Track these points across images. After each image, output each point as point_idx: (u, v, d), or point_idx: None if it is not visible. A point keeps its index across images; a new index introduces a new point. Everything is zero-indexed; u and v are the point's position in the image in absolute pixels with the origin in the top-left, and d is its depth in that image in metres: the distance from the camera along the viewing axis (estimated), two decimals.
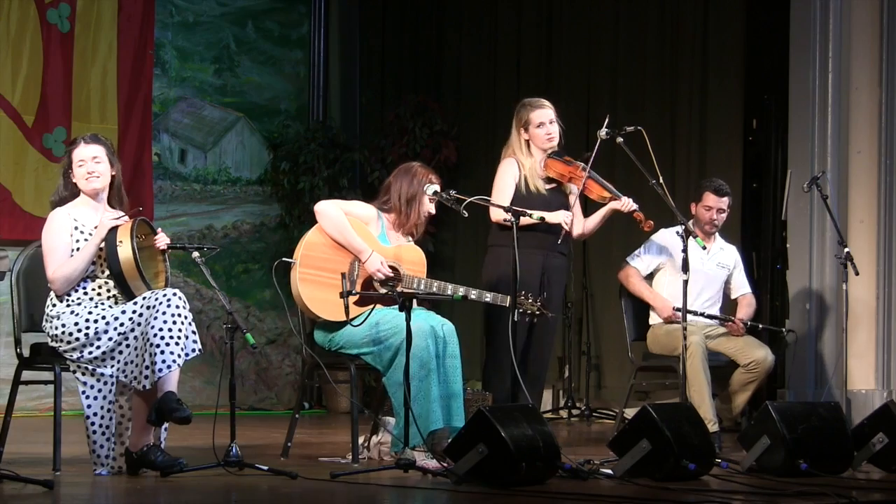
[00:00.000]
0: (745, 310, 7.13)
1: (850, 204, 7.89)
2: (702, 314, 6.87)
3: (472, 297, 5.90)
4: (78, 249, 5.21)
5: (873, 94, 7.89)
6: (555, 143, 6.47)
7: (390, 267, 5.84)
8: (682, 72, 9.08)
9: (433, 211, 6.03)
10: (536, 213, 6.05)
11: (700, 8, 8.99)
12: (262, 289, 9.81)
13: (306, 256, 5.78)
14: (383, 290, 5.80)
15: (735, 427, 7.23)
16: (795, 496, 4.63)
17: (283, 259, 5.79)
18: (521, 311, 5.80)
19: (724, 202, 7.07)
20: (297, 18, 10.27)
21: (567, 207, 6.40)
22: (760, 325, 7.11)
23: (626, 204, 6.38)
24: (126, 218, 5.26)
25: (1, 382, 7.81)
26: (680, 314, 6.84)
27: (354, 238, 5.83)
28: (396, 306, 5.35)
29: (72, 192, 5.33)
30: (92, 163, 5.30)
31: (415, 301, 5.64)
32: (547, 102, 6.55)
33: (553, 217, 6.25)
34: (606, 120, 6.42)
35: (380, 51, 10.64)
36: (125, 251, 5.13)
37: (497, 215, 6.35)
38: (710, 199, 7.07)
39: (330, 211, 5.86)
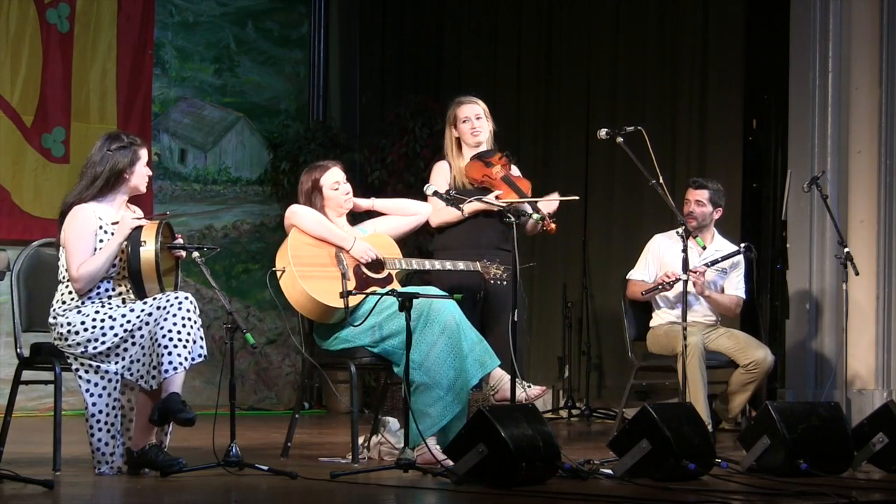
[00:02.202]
0: (727, 297, 7.08)
1: (850, 204, 7.89)
2: (672, 283, 6.84)
3: (448, 267, 5.97)
4: (97, 250, 5.20)
5: (873, 94, 7.89)
6: (480, 139, 6.37)
7: None
8: (682, 72, 9.08)
9: (347, 189, 5.99)
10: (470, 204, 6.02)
11: (700, 8, 8.99)
12: (262, 289, 9.82)
13: (297, 257, 5.79)
14: (375, 275, 5.84)
15: (735, 427, 7.23)
16: (795, 496, 4.62)
17: (274, 269, 5.78)
18: (490, 276, 5.89)
19: (700, 195, 7.06)
20: (297, 18, 10.28)
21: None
22: (721, 257, 6.99)
23: (525, 209, 6.17)
24: (146, 220, 5.26)
25: (1, 382, 7.82)
26: (668, 278, 6.87)
27: (336, 230, 5.87)
28: (394, 296, 5.35)
29: (100, 192, 5.26)
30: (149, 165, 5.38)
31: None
32: (475, 99, 6.42)
33: (485, 201, 6.13)
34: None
35: (380, 51, 10.65)
36: (147, 252, 5.13)
37: (435, 218, 6.29)
38: (687, 192, 7.11)
39: (304, 211, 5.93)
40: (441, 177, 6.36)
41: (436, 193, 5.95)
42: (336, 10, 10.48)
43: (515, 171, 6.39)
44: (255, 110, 10.04)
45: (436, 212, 6.28)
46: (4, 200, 8.77)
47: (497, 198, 6.17)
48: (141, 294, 5.18)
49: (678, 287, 6.97)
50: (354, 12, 10.61)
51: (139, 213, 5.38)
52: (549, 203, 6.29)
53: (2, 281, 5.52)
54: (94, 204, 5.24)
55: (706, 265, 6.88)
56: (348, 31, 10.56)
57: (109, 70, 9.20)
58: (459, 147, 6.41)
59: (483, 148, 6.37)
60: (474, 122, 6.36)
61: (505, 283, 5.87)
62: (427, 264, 6.00)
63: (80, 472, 5.19)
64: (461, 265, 5.98)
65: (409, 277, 6.28)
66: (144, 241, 5.14)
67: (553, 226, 6.16)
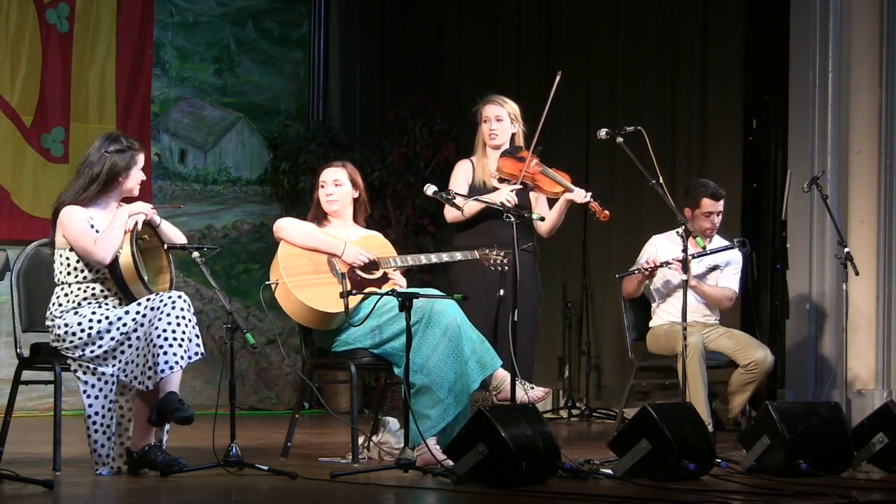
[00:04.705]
0: (715, 289, 7.06)
1: (850, 204, 7.89)
2: (660, 265, 6.84)
3: (445, 258, 5.98)
4: None
5: (873, 94, 7.89)
6: (496, 142, 6.37)
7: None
8: (682, 72, 9.09)
9: (329, 191, 5.98)
10: (469, 201, 6.02)
11: (700, 8, 8.99)
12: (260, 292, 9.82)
13: (288, 268, 5.78)
14: (369, 276, 5.84)
15: (735, 427, 7.23)
16: (795, 496, 4.62)
17: (267, 283, 5.79)
18: (490, 263, 5.89)
19: (721, 205, 7.03)
20: (297, 18, 10.28)
21: (527, 205, 6.32)
22: (710, 250, 6.88)
23: (580, 195, 6.27)
24: (148, 209, 5.26)
25: (1, 382, 7.82)
26: (647, 265, 6.88)
27: (325, 238, 5.87)
28: (394, 296, 5.34)
29: (97, 194, 5.25)
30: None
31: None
32: (501, 100, 6.42)
33: (495, 196, 6.15)
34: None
35: (380, 51, 10.65)
36: (124, 257, 5.14)
37: (449, 214, 6.29)
38: (707, 204, 6.96)
39: (290, 224, 5.93)
40: (462, 176, 6.38)
41: (435, 193, 5.95)
42: (336, 10, 10.48)
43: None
44: (255, 110, 10.04)
45: (449, 207, 6.28)
46: (4, 200, 8.77)
47: (536, 189, 6.19)
48: (130, 298, 5.19)
49: (662, 277, 6.98)
50: (354, 12, 10.61)
51: (137, 206, 5.36)
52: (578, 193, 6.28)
53: (2, 281, 5.51)
54: (88, 208, 5.24)
55: (692, 256, 6.85)
56: (348, 31, 10.55)
57: (109, 70, 9.20)
58: (485, 144, 6.41)
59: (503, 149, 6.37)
60: (493, 123, 6.37)
61: (506, 268, 5.86)
62: (423, 259, 5.99)
63: (80, 472, 5.19)
64: (458, 255, 5.99)
65: (409, 276, 6.25)
66: (120, 249, 5.15)
67: (606, 212, 6.20)
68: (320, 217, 6.01)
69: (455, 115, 10.04)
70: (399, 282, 5.92)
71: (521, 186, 6.25)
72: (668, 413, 5.08)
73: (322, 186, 6.00)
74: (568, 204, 6.34)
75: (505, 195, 6.14)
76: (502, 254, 5.86)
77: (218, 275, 9.44)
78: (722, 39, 8.86)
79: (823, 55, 8.06)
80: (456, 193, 5.98)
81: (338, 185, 5.99)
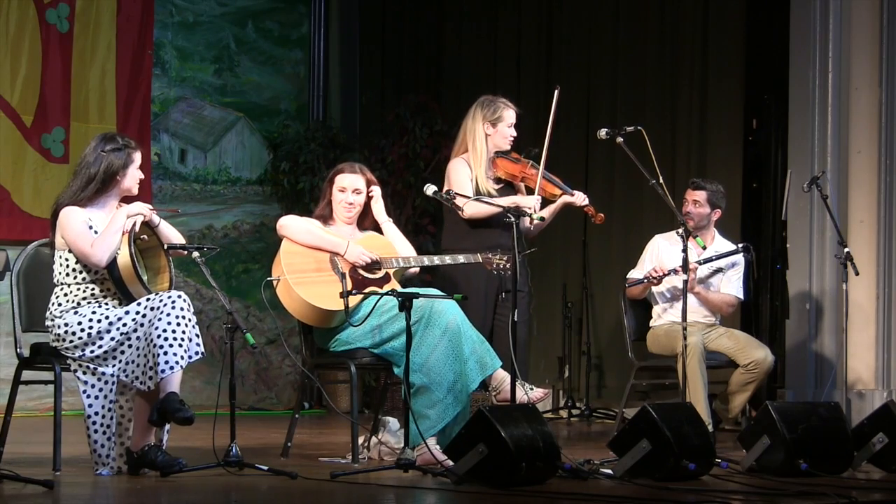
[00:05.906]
0: (718, 295, 7.06)
1: (850, 204, 7.89)
2: (668, 273, 6.86)
3: (448, 261, 5.99)
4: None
5: (873, 94, 7.89)
6: (509, 147, 6.42)
7: None
8: (682, 72, 9.08)
9: (350, 200, 5.99)
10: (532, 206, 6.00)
11: (700, 8, 8.99)
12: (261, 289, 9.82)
13: (290, 265, 5.79)
14: (371, 276, 5.84)
15: (735, 427, 7.23)
16: (795, 496, 4.63)
17: (269, 279, 5.80)
18: (493, 267, 5.91)
19: (698, 195, 7.06)
20: (297, 18, 10.28)
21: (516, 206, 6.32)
22: (715, 255, 6.97)
23: (580, 198, 6.29)
24: (146, 209, 5.26)
25: (1, 382, 7.82)
26: (655, 272, 6.88)
27: (328, 237, 5.87)
28: (394, 295, 5.34)
29: (96, 194, 5.26)
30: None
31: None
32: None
33: (525, 201, 6.18)
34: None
35: (380, 51, 10.65)
36: (123, 258, 5.15)
37: (472, 209, 6.15)
38: (686, 192, 7.12)
39: (293, 222, 5.94)
40: (464, 176, 6.31)
41: (435, 193, 5.95)
42: (336, 10, 10.48)
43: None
44: (255, 110, 10.04)
45: (470, 203, 6.21)
46: (4, 200, 8.77)
47: (538, 190, 6.23)
48: (130, 299, 5.19)
49: (668, 282, 6.98)
50: (354, 12, 10.61)
51: (136, 207, 5.36)
52: (576, 197, 6.30)
53: (2, 281, 5.51)
54: (86, 209, 5.24)
55: (698, 262, 6.88)
56: (348, 31, 10.55)
57: (109, 70, 9.20)
58: (486, 145, 6.37)
59: None
60: (513, 128, 6.39)
61: (508, 272, 5.86)
62: (426, 260, 6.00)
63: (80, 472, 5.19)
64: (461, 258, 5.99)
65: (410, 279, 6.26)
66: (118, 250, 5.15)
67: (602, 215, 6.22)
68: (327, 216, 6.01)
69: (455, 115, 10.00)
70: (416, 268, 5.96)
71: (525, 191, 6.27)
72: (668, 413, 5.08)
73: (342, 191, 5.99)
74: (564, 206, 6.35)
75: (533, 202, 6.14)
76: (505, 258, 5.87)
77: (218, 275, 9.44)
78: (722, 39, 8.86)
79: (823, 55, 8.06)
80: (456, 193, 5.97)
81: (357, 194, 6.00)
